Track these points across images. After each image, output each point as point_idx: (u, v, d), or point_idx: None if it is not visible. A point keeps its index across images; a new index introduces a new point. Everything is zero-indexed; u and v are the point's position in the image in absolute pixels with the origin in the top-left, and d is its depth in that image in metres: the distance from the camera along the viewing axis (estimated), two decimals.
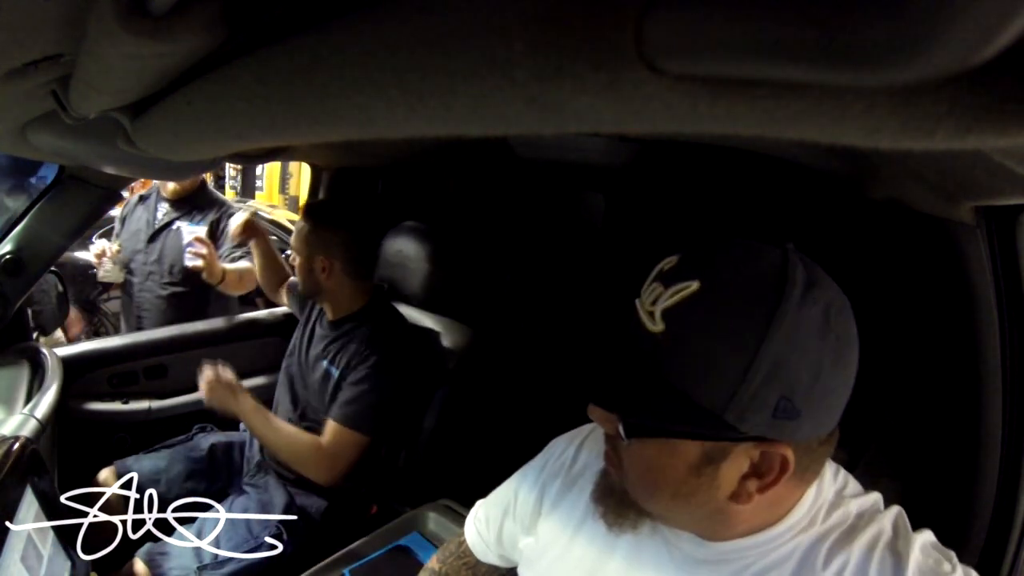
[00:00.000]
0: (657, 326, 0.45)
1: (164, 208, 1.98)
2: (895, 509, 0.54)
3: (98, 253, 1.93)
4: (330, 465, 1.26)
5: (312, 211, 1.34)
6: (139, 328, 1.91)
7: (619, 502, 0.54)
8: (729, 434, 0.44)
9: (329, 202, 1.50)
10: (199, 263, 1.67)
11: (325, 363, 1.34)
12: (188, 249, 1.73)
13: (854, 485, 0.57)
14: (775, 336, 0.41)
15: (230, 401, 1.28)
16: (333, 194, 1.84)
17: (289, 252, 2.99)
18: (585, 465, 0.67)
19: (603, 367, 0.50)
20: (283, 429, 1.29)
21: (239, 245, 1.77)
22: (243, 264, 1.80)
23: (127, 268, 1.96)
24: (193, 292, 1.91)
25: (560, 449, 0.72)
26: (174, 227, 1.95)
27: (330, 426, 1.27)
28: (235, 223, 1.61)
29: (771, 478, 0.46)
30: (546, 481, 0.69)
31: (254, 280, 1.78)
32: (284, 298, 1.68)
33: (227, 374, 1.30)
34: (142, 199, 2.01)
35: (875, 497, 0.56)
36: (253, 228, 1.60)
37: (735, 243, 0.47)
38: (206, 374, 1.29)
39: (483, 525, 0.79)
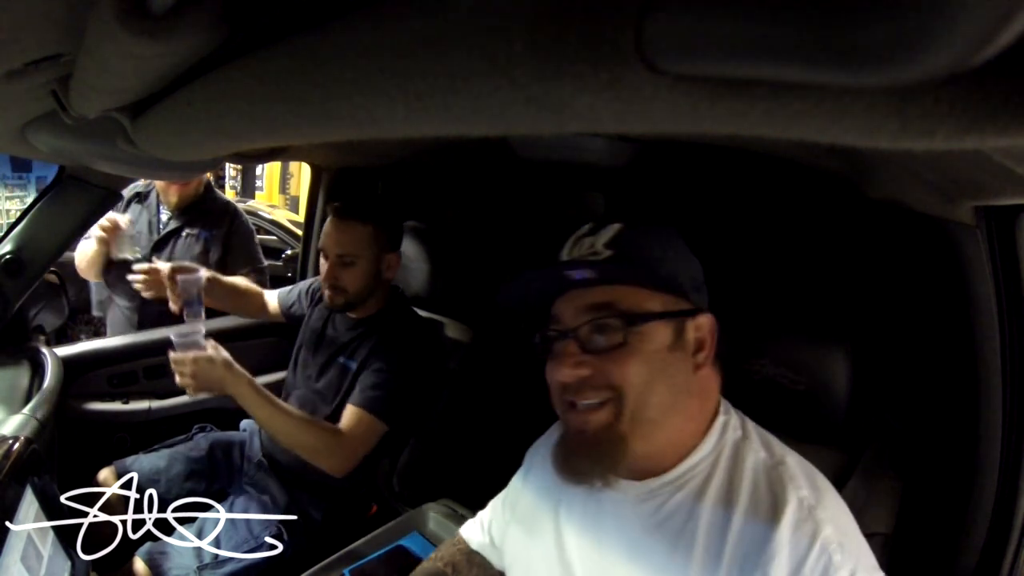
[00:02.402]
0: (604, 253, 0.61)
1: (167, 212, 1.84)
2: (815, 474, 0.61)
3: (108, 227, 1.67)
4: (348, 453, 1.15)
5: (367, 212, 1.26)
6: None
7: (589, 455, 0.61)
8: (683, 306, 0.60)
9: (371, 199, 1.36)
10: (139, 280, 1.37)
11: (342, 359, 1.32)
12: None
13: (758, 435, 0.65)
14: (677, 242, 0.63)
15: (225, 380, 1.08)
16: (335, 195, 1.84)
17: (289, 251, 2.96)
18: (546, 457, 0.75)
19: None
20: (294, 413, 1.14)
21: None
22: (240, 280, 1.57)
23: (137, 257, 1.74)
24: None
25: (535, 449, 0.82)
26: (183, 234, 1.81)
27: (351, 411, 1.19)
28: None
29: (708, 345, 0.61)
30: (524, 475, 0.80)
31: (257, 304, 1.58)
32: (276, 312, 1.56)
33: (212, 347, 1.10)
34: (139, 196, 1.84)
35: (785, 451, 0.63)
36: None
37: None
38: (180, 359, 1.07)
39: (476, 520, 0.87)
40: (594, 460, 0.59)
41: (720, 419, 0.63)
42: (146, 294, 1.56)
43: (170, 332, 1.10)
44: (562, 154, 1.13)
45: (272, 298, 1.57)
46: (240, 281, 1.54)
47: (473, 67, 0.24)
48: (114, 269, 1.80)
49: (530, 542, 0.72)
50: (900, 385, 0.99)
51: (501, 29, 0.22)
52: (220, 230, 1.85)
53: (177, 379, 1.09)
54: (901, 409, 0.96)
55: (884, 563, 0.76)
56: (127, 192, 1.84)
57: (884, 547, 0.76)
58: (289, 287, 1.58)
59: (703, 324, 0.61)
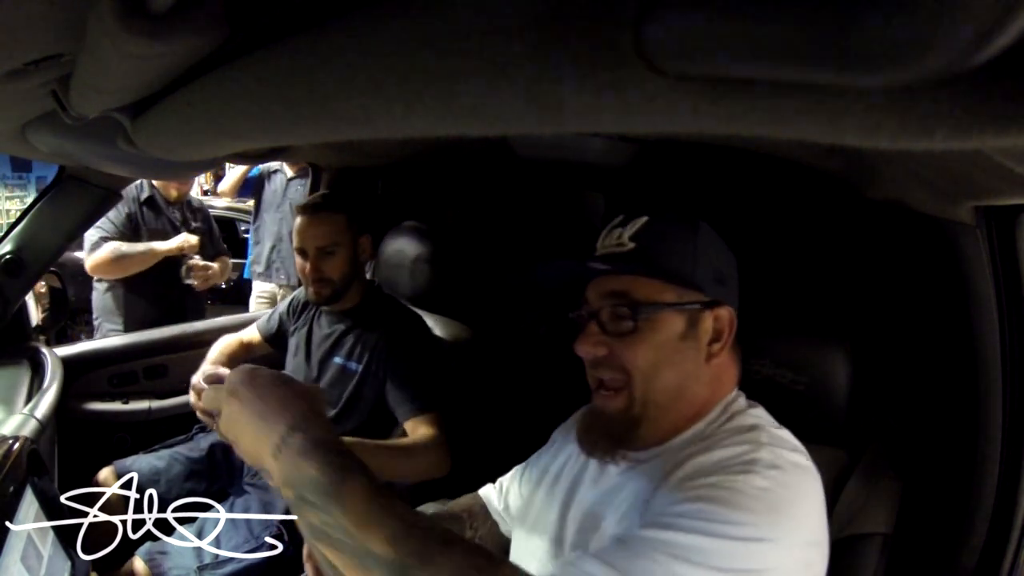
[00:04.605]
0: (627, 246, 0.66)
1: (173, 212, 2.06)
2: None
3: (189, 247, 1.97)
4: (444, 453, 1.20)
5: (337, 202, 1.32)
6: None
7: (604, 434, 0.67)
8: (697, 298, 0.64)
9: (334, 192, 1.53)
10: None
11: (339, 359, 1.32)
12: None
13: (767, 416, 0.66)
14: (701, 236, 0.66)
15: None
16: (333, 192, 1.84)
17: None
18: (574, 427, 0.78)
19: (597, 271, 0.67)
20: (394, 445, 1.18)
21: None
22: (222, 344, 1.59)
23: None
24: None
25: (564, 428, 0.83)
26: (192, 229, 2.07)
27: (415, 423, 1.22)
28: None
29: (725, 337, 0.65)
30: (550, 451, 0.82)
31: (242, 353, 1.58)
32: (260, 344, 1.53)
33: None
34: (150, 201, 2.00)
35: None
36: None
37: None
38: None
39: (496, 486, 0.89)
40: (607, 438, 0.66)
41: (729, 396, 0.66)
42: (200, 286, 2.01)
43: (204, 381, 1.18)
44: (562, 154, 1.13)
45: (251, 334, 1.54)
46: (224, 347, 1.49)
47: (473, 67, 0.24)
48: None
49: (542, 508, 0.75)
50: (900, 385, 0.99)
51: (501, 30, 0.22)
52: (205, 223, 2.15)
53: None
54: (901, 409, 0.96)
55: (884, 563, 0.76)
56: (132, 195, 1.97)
57: (884, 547, 0.76)
58: (265, 316, 1.55)
59: (722, 316, 0.65)
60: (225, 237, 2.38)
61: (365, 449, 1.12)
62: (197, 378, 1.25)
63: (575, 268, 0.68)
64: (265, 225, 2.63)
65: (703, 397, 0.65)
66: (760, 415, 0.65)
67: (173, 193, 2.03)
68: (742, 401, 0.67)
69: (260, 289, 2.71)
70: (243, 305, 2.78)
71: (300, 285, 2.36)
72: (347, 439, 1.13)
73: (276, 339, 1.51)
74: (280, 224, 2.58)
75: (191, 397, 1.26)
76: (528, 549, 0.73)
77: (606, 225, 0.70)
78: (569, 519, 0.69)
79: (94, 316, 2.05)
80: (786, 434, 0.62)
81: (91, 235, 1.90)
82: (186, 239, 1.97)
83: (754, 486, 0.52)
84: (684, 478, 0.57)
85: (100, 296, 2.02)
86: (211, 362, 1.39)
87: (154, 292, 2.00)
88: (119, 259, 1.90)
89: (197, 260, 2.00)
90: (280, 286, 2.63)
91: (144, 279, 1.96)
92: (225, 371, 1.25)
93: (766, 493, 0.52)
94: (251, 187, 2.73)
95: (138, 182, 1.95)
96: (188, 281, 2.00)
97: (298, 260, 1.31)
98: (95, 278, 2.00)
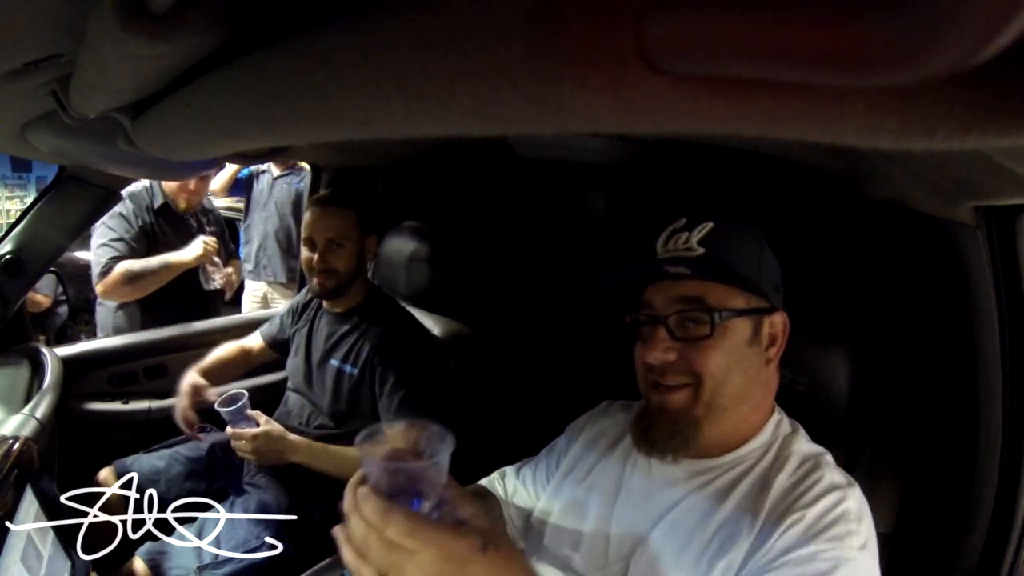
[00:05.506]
0: (697, 251, 0.66)
1: (188, 218, 1.95)
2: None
3: (211, 251, 1.81)
4: None
5: (350, 199, 1.34)
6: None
7: (661, 431, 0.67)
8: (762, 304, 0.66)
9: (344, 189, 1.58)
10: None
11: (336, 362, 1.32)
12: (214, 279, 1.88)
13: (804, 432, 0.70)
14: (761, 242, 0.69)
15: (285, 451, 1.20)
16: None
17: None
18: (602, 428, 0.80)
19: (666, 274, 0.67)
20: (347, 452, 1.20)
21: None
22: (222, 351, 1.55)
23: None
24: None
25: (580, 424, 0.84)
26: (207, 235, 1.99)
27: None
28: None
29: (779, 342, 0.68)
30: (557, 453, 0.82)
31: (244, 360, 1.57)
32: (263, 350, 1.54)
33: (265, 422, 1.22)
34: (164, 208, 1.85)
35: (820, 449, 0.68)
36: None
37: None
38: (240, 434, 1.19)
39: (500, 486, 0.87)
40: (669, 436, 0.66)
41: (776, 416, 0.69)
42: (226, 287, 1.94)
43: (217, 407, 1.21)
44: (562, 154, 1.13)
45: (254, 341, 1.54)
46: (222, 352, 1.48)
47: (473, 68, 0.24)
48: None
49: (573, 510, 0.74)
50: (900, 385, 0.99)
51: (501, 29, 0.22)
52: (218, 226, 2.09)
53: (238, 453, 1.23)
54: (901, 409, 0.96)
55: (884, 563, 0.76)
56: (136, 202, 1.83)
57: (884, 547, 0.76)
58: (267, 322, 1.55)
59: (777, 322, 0.67)
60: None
61: (312, 451, 1.20)
62: (216, 402, 1.25)
63: (647, 270, 0.68)
64: (254, 224, 2.60)
65: (758, 400, 0.67)
66: (806, 436, 0.69)
67: (182, 204, 1.88)
68: (786, 423, 0.70)
69: (251, 288, 2.66)
70: (240, 306, 2.78)
71: (288, 282, 2.36)
72: (295, 437, 1.21)
73: (279, 344, 1.51)
74: (266, 223, 2.54)
75: (182, 402, 1.27)
76: (561, 554, 0.72)
77: (664, 228, 0.70)
78: (612, 527, 0.69)
79: (102, 335, 1.90)
80: (831, 457, 0.65)
81: (100, 254, 1.71)
82: (205, 245, 1.80)
83: (854, 548, 0.56)
84: (785, 548, 0.57)
85: (111, 315, 1.84)
86: (209, 362, 1.41)
87: (173, 308, 1.81)
88: (132, 279, 1.70)
89: (216, 261, 1.86)
90: (268, 283, 2.60)
91: (160, 293, 1.79)
92: (241, 390, 1.26)
93: (863, 551, 0.56)
94: (242, 187, 2.69)
95: (149, 189, 1.83)
96: (214, 286, 1.86)
97: (304, 252, 1.31)
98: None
